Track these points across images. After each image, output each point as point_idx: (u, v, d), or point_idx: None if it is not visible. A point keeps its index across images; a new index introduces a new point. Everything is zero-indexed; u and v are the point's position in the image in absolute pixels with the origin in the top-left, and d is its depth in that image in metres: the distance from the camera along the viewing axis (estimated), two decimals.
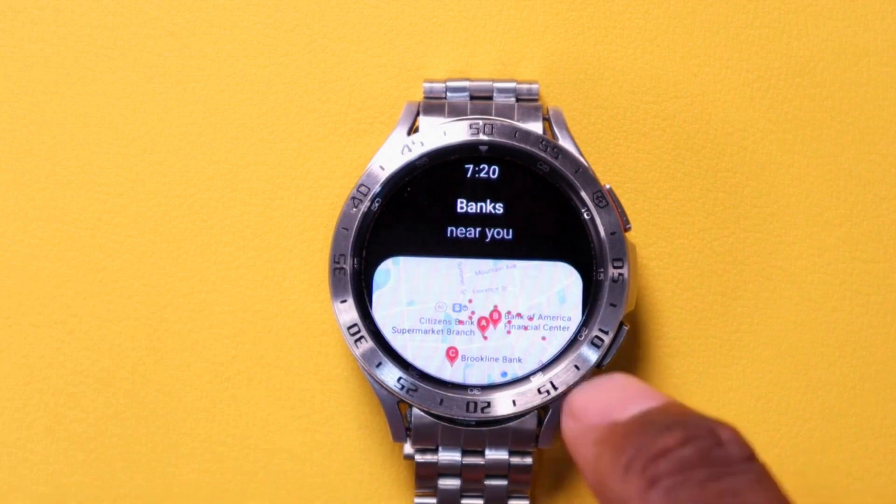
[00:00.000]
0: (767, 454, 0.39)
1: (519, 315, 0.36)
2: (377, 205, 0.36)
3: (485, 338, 0.36)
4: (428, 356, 0.36)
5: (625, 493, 0.26)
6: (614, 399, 0.28)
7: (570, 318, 0.36)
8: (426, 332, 0.36)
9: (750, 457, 0.26)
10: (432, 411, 0.35)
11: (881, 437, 0.39)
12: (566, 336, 0.35)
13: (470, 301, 0.36)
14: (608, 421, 0.28)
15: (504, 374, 0.36)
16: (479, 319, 0.36)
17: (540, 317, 0.36)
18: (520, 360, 0.36)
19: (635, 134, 0.39)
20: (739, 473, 0.25)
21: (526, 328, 0.36)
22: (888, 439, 0.39)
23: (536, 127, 0.36)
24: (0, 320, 0.39)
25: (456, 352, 0.36)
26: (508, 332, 0.36)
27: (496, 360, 0.36)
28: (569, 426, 0.29)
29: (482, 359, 0.36)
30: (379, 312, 0.36)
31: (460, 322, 0.36)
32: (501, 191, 0.36)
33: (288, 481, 0.39)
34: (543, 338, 0.36)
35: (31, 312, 0.39)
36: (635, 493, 0.25)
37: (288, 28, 0.40)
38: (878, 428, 0.39)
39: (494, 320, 0.36)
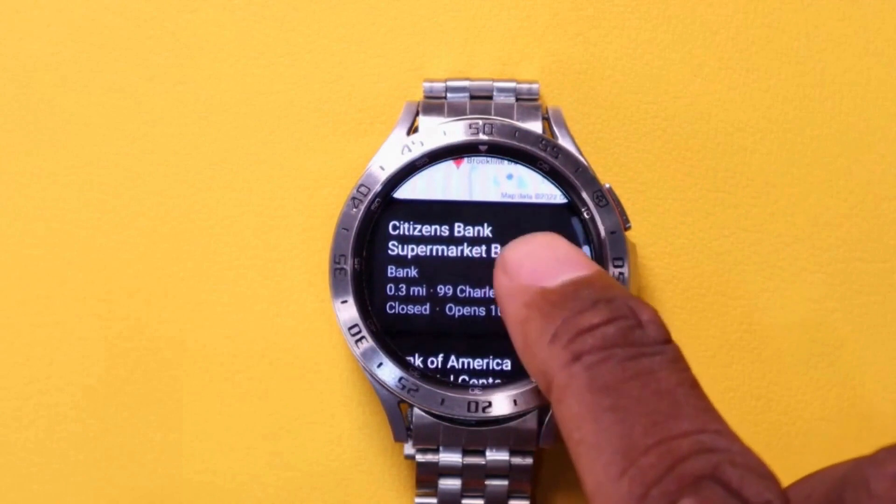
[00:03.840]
0: (767, 454, 0.39)
1: None
2: (377, 205, 0.36)
3: None
4: (433, 169, 0.36)
5: (549, 361, 0.28)
6: (547, 261, 0.30)
7: None
8: None
9: (666, 339, 0.28)
10: (433, 411, 0.35)
11: (882, 436, 0.39)
12: None
13: None
14: (539, 285, 0.29)
15: (510, 175, 0.36)
16: None
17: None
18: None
19: (635, 134, 0.39)
20: (656, 354, 0.27)
21: None
22: (889, 439, 0.39)
23: (536, 126, 0.36)
24: (0, 320, 0.39)
25: (462, 158, 0.36)
26: None
27: (501, 161, 0.36)
28: (501, 282, 0.31)
29: (488, 161, 0.36)
30: None
31: None
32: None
33: (289, 481, 0.39)
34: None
35: (31, 312, 0.39)
36: (559, 364, 0.27)
37: (288, 28, 0.40)
38: (879, 428, 0.39)
39: None
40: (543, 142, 0.36)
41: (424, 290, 0.36)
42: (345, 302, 0.35)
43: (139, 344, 0.39)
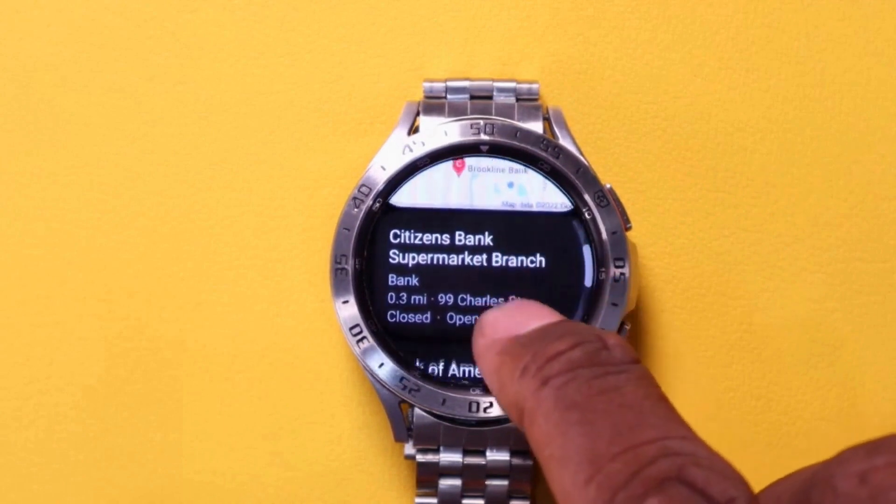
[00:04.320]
0: (767, 454, 0.39)
1: None
2: (378, 205, 0.36)
3: None
4: (436, 167, 0.36)
5: (520, 393, 0.29)
6: (519, 317, 0.32)
7: None
8: None
9: (632, 360, 0.28)
10: (434, 411, 0.35)
11: None
12: None
13: None
14: (510, 335, 0.31)
15: (510, 184, 0.36)
16: None
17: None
18: (526, 171, 0.36)
19: (635, 134, 0.39)
20: (622, 373, 0.28)
21: None
22: None
23: (536, 126, 0.36)
24: (0, 320, 0.39)
25: (462, 163, 0.36)
26: None
27: (502, 170, 0.36)
28: (478, 342, 0.32)
29: (489, 169, 0.36)
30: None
31: None
32: None
33: (289, 481, 0.39)
34: None
35: (31, 312, 0.39)
36: (529, 392, 0.28)
37: (288, 28, 0.40)
38: (879, 428, 0.39)
39: None
40: (544, 142, 0.36)
41: (425, 298, 0.36)
42: (346, 302, 0.35)
43: (139, 344, 0.39)
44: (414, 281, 0.36)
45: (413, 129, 0.37)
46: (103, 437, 0.39)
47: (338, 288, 0.35)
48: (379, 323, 0.36)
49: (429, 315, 0.36)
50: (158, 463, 0.39)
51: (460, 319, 0.36)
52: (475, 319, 0.36)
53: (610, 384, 0.27)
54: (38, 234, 0.39)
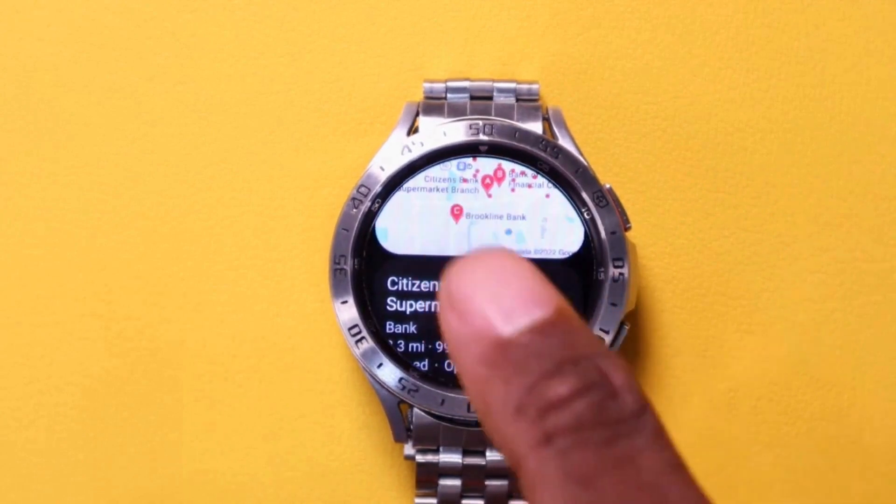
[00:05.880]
0: (769, 454, 0.39)
1: (523, 173, 0.36)
2: (377, 205, 0.36)
3: (489, 196, 0.36)
4: (433, 214, 0.36)
5: (517, 439, 0.25)
6: (500, 297, 0.26)
7: None
8: (431, 190, 0.36)
9: (642, 407, 0.25)
10: (433, 412, 0.35)
11: (882, 436, 0.39)
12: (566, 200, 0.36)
13: (474, 159, 0.36)
14: (494, 333, 0.25)
15: (508, 231, 0.36)
16: (484, 178, 0.36)
17: (543, 175, 0.36)
18: (524, 217, 0.36)
19: (635, 134, 0.39)
20: (634, 433, 0.24)
21: (530, 186, 0.36)
22: (889, 438, 0.39)
23: (536, 127, 0.36)
24: (0, 320, 0.39)
25: (461, 209, 0.36)
26: (513, 189, 0.36)
27: (500, 217, 0.36)
28: (450, 323, 0.26)
29: (487, 216, 0.36)
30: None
31: (465, 181, 0.36)
32: None
33: (288, 481, 0.39)
34: (547, 195, 0.36)
35: (31, 312, 0.39)
36: (527, 443, 0.24)
37: (288, 28, 0.40)
38: (879, 428, 0.39)
39: (499, 178, 0.36)
40: (543, 142, 0.36)
41: (423, 346, 0.36)
42: (345, 302, 0.35)
43: (139, 344, 0.39)
44: (412, 328, 0.36)
45: (413, 130, 0.37)
46: (103, 437, 0.39)
47: (337, 288, 0.35)
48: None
49: (426, 363, 0.36)
50: (158, 463, 0.39)
51: None
52: None
53: (622, 453, 0.24)
54: (38, 234, 0.39)
